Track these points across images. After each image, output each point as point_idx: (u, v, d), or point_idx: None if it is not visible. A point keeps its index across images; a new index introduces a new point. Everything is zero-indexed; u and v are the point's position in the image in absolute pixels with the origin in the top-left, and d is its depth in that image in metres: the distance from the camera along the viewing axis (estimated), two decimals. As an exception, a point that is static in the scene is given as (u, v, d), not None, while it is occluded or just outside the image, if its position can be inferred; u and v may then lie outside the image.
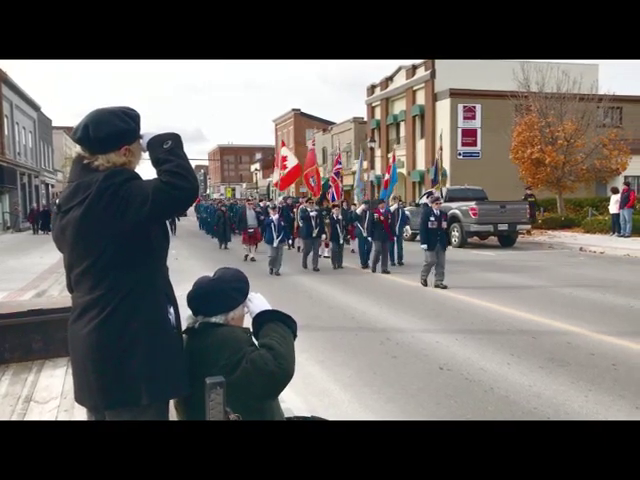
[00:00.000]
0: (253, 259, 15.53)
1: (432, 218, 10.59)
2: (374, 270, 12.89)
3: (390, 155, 24.91)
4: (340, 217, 13.96)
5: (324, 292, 10.51)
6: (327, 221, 14.58)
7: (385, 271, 12.61)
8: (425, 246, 10.61)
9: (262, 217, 16.65)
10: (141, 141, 2.14)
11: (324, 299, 9.73)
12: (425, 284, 10.66)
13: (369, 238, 13.40)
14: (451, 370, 5.70)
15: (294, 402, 4.74)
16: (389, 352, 6.38)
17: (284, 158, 18.55)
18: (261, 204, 22.07)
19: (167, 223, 2.27)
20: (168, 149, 2.03)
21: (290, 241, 18.56)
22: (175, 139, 2.07)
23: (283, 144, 19.74)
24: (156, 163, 2.04)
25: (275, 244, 12.72)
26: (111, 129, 2.06)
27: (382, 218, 12.75)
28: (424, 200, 18.18)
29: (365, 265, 13.58)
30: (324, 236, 14.16)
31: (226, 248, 19.63)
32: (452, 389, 5.15)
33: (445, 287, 10.34)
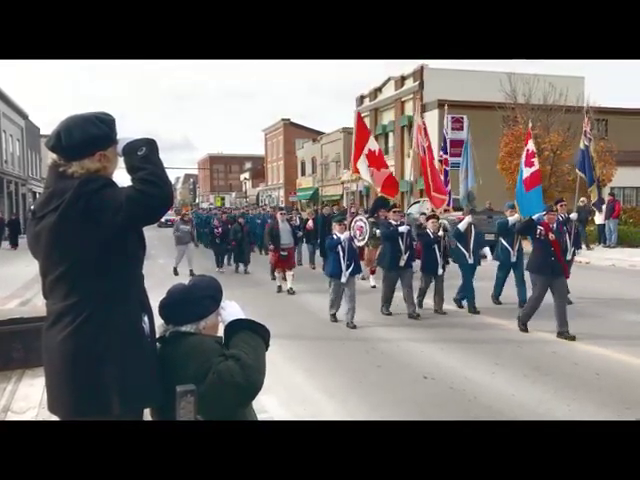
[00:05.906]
0: (291, 291, 11.06)
1: None
2: (569, 337, 7.18)
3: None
4: (440, 233, 9.09)
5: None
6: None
7: (565, 335, 7.20)
8: None
9: (299, 233, 13.14)
10: (117, 146, 2.12)
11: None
12: None
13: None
14: (435, 379, 5.69)
15: (278, 411, 4.71)
16: (374, 361, 6.36)
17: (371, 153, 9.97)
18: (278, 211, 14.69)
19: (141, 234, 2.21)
20: (142, 156, 2.01)
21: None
22: (149, 146, 2.04)
23: (368, 133, 9.49)
24: (130, 170, 2.02)
25: (344, 279, 7.96)
26: (83, 135, 2.04)
27: (553, 237, 7.40)
28: (414, 209, 18.14)
29: (460, 304, 9.31)
30: (417, 261, 9.20)
31: (246, 272, 14.52)
32: (436, 398, 5.14)
33: None
